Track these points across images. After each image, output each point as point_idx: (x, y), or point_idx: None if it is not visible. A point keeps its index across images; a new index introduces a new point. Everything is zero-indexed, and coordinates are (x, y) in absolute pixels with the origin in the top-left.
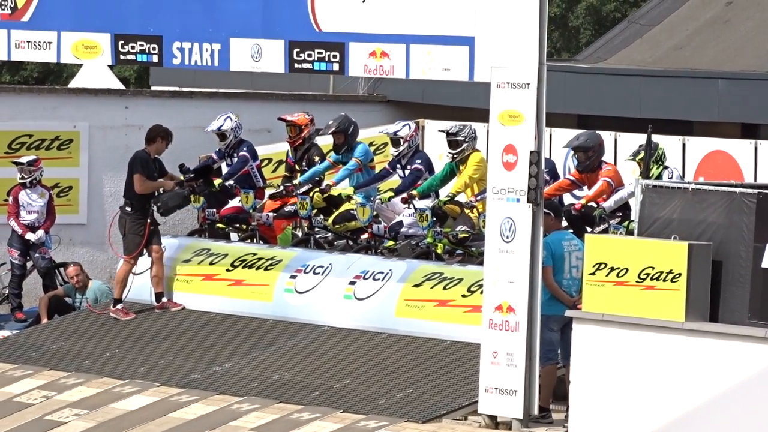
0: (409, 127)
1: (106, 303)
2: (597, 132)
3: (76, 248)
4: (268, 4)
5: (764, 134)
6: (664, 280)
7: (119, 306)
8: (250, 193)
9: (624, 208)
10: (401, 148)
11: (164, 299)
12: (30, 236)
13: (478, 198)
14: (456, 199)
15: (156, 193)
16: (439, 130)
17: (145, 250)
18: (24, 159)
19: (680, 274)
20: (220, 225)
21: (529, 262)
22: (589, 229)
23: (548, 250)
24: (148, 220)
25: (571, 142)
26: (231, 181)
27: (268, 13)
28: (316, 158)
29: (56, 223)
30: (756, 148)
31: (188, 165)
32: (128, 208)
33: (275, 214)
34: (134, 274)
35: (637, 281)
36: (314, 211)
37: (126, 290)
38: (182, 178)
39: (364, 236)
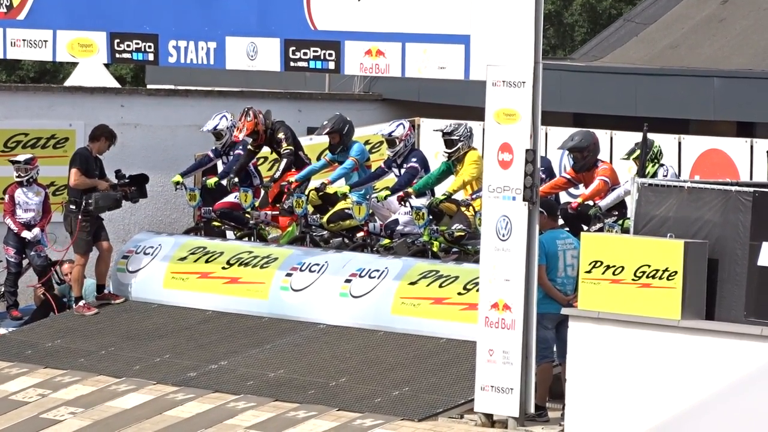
0: (404, 126)
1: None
2: (591, 131)
3: (71, 246)
4: (263, 3)
5: (760, 132)
6: (660, 278)
7: (81, 303)
8: (248, 191)
9: (620, 206)
10: (397, 148)
11: (105, 291)
12: (26, 234)
13: (474, 196)
14: (452, 197)
15: (90, 190)
16: (434, 130)
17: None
18: (21, 157)
19: (676, 272)
20: (216, 223)
21: (525, 260)
22: (585, 228)
23: (542, 248)
24: (92, 218)
25: (566, 143)
26: (235, 179)
27: (264, 11)
28: (281, 135)
29: (52, 222)
30: (752, 147)
31: (124, 171)
32: (72, 206)
33: (277, 213)
34: (129, 272)
35: (633, 279)
36: (310, 209)
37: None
38: (116, 182)
39: (360, 234)
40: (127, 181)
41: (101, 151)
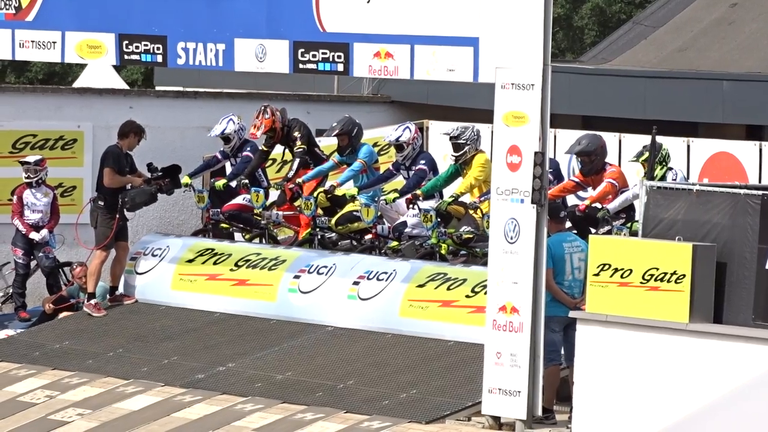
0: (410, 130)
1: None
2: (598, 134)
3: (79, 248)
4: (272, 5)
5: None
6: (668, 281)
7: (93, 301)
8: (261, 191)
9: (628, 209)
10: (406, 152)
11: (117, 293)
12: (34, 236)
13: (482, 199)
14: (460, 199)
15: (124, 188)
16: (443, 134)
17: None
18: (31, 158)
19: (684, 276)
20: (224, 225)
21: (533, 263)
22: (593, 230)
23: (548, 251)
24: (118, 215)
25: (573, 147)
26: (245, 180)
27: (273, 13)
28: (296, 134)
29: (60, 223)
30: (761, 150)
31: (156, 164)
32: (100, 202)
33: (291, 213)
34: (137, 273)
35: (641, 282)
36: (318, 212)
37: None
38: (150, 176)
39: (368, 236)
40: (160, 173)
41: (131, 147)
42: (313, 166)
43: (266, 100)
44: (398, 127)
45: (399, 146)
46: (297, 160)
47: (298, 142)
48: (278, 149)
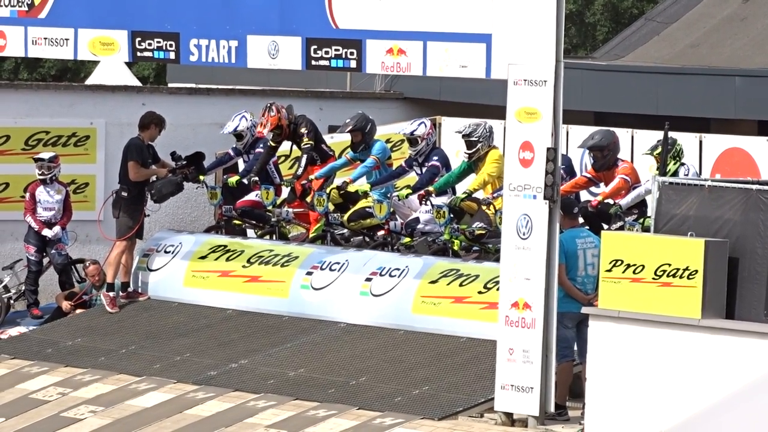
0: (425, 125)
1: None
2: (611, 129)
3: (92, 245)
4: (285, 1)
5: None
6: (681, 277)
7: (111, 293)
8: (270, 189)
9: (640, 204)
10: (419, 147)
11: (130, 289)
12: (46, 232)
13: (495, 195)
14: (473, 195)
15: (150, 180)
16: (455, 132)
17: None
18: (44, 155)
19: (696, 271)
20: (236, 221)
21: (546, 259)
22: (605, 226)
23: (561, 247)
24: (143, 207)
25: (586, 141)
26: (255, 177)
27: (286, 10)
28: (303, 130)
29: (72, 220)
30: None
31: (179, 153)
32: (124, 193)
33: (302, 210)
34: (150, 270)
35: (653, 278)
36: (331, 208)
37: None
38: (174, 165)
39: (381, 233)
40: (184, 162)
41: (153, 138)
42: (320, 162)
43: (279, 97)
44: (414, 121)
45: (413, 140)
46: (304, 157)
47: (305, 138)
48: (285, 146)
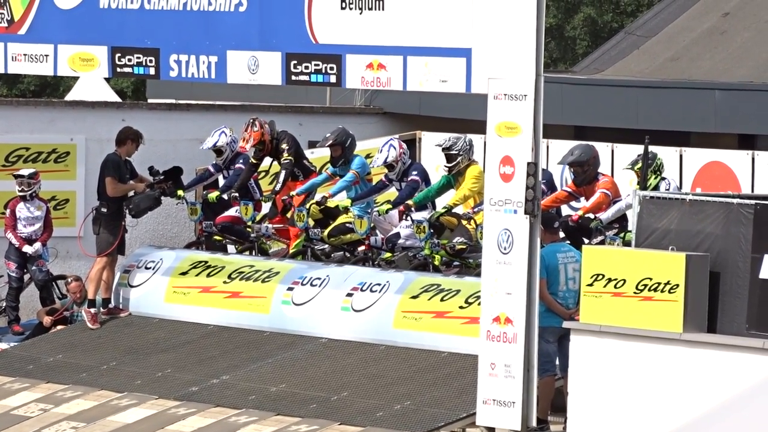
0: (394, 147)
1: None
2: (591, 144)
3: (72, 261)
4: (264, 17)
5: (761, 145)
6: (662, 291)
7: (93, 309)
8: (249, 204)
9: (621, 219)
10: (396, 169)
11: (111, 305)
12: (27, 249)
13: (476, 210)
14: (453, 210)
15: (127, 195)
16: (436, 145)
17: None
18: (24, 172)
19: (678, 285)
20: (217, 237)
21: (527, 274)
22: (586, 241)
23: (542, 262)
24: (123, 223)
25: (566, 157)
26: (235, 193)
27: (265, 25)
28: (284, 146)
29: (53, 236)
30: (753, 159)
31: (157, 167)
32: (104, 209)
33: (282, 226)
34: (131, 286)
35: (634, 292)
36: (311, 223)
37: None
38: (152, 180)
39: (362, 248)
40: (162, 177)
41: (130, 154)
42: (302, 178)
43: (259, 112)
44: (382, 148)
45: (389, 166)
46: (283, 172)
47: (285, 154)
48: (266, 162)
